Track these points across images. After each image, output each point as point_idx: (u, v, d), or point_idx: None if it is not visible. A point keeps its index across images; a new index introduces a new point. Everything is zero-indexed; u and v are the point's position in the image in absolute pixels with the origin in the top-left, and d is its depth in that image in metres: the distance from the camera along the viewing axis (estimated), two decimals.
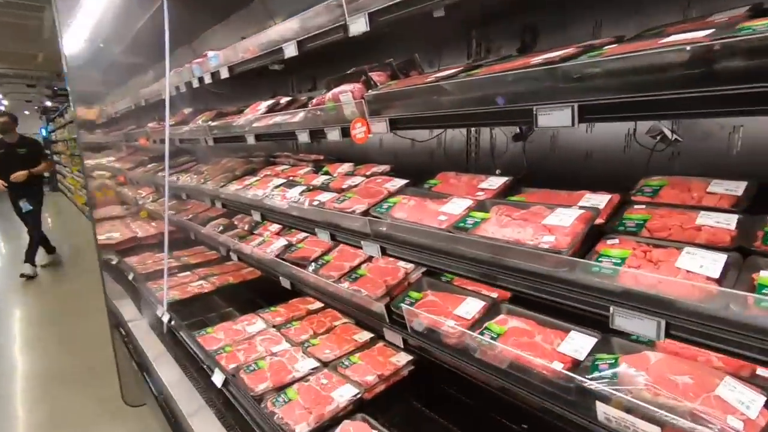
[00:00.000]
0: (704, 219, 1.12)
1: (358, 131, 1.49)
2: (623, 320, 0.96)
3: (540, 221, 1.22)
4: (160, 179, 3.91)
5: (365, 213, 1.66)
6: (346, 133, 1.63)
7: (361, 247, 1.66)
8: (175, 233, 4.31)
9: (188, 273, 3.62)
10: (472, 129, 1.99)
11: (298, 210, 2.00)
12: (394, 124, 1.45)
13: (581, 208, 1.24)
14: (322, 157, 2.71)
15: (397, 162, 2.39)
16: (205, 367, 2.21)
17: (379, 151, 2.52)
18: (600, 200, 1.36)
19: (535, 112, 1.04)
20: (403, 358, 2.06)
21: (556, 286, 1.08)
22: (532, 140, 1.82)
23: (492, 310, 1.58)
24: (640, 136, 1.50)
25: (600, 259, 1.06)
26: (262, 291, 2.99)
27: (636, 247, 1.08)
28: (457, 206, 1.45)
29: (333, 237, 1.81)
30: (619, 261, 1.04)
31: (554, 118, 1.01)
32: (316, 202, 1.95)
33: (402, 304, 1.67)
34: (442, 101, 1.29)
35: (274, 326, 2.57)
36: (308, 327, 2.50)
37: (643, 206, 1.27)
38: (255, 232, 3.03)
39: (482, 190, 1.60)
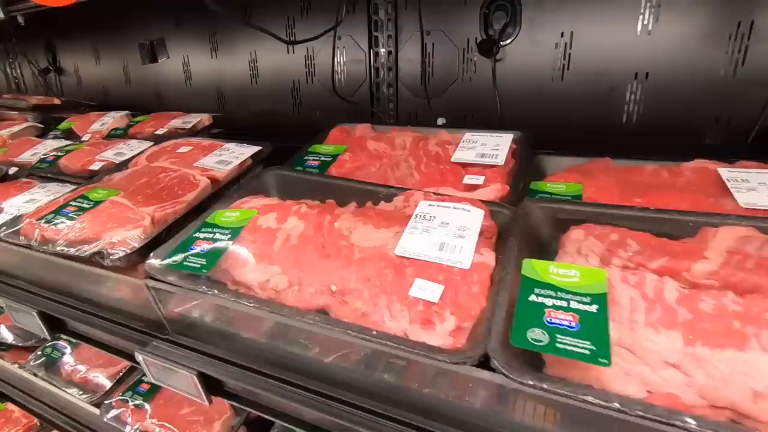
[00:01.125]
0: None
1: None
2: None
3: None
4: None
5: (134, 261, 0.52)
6: None
7: (137, 363, 0.54)
8: None
9: None
10: (381, 36, 0.96)
11: None
12: None
13: None
14: (58, 102, 1.31)
15: (226, 107, 1.23)
16: None
17: (184, 88, 1.29)
18: None
19: None
20: None
21: None
22: (506, 56, 0.90)
23: None
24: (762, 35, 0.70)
25: None
26: None
27: None
28: (449, 236, 0.44)
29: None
30: None
31: None
32: None
33: None
34: None
35: None
36: None
37: None
38: None
39: (465, 166, 0.63)
